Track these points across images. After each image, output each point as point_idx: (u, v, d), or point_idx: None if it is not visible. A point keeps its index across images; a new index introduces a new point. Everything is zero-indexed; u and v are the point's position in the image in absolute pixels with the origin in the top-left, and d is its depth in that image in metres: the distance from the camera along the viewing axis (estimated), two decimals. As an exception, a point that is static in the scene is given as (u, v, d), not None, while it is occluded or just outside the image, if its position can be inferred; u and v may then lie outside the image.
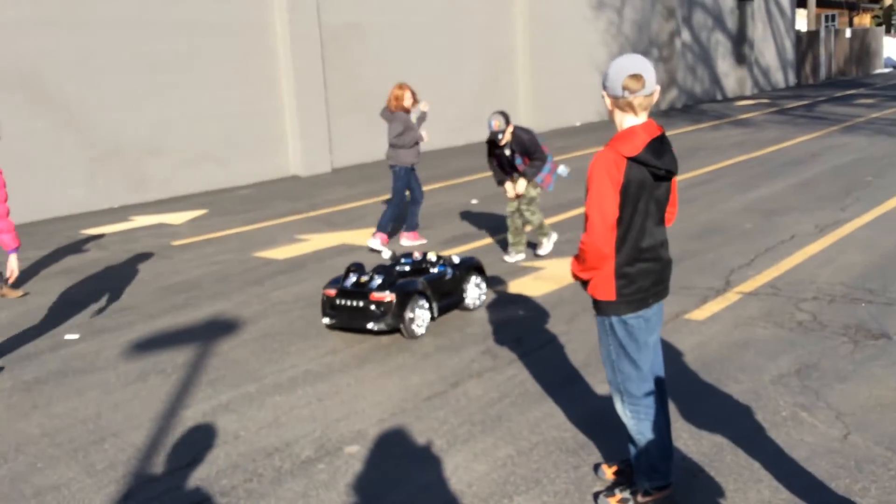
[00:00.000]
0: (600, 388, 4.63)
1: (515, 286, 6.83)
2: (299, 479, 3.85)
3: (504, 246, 8.11)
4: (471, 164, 14.67)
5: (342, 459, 4.01)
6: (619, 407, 3.44)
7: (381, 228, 8.20)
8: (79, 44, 11.47)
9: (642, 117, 3.19)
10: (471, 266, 6.22)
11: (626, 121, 3.20)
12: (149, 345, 5.85)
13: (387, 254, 6.32)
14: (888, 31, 47.82)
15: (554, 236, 7.80)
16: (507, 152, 7.38)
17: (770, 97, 25.95)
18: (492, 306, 6.32)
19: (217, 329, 6.13)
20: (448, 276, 6.02)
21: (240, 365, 5.38)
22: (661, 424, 3.39)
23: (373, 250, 8.14)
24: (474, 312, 6.19)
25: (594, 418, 4.30)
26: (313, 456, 4.06)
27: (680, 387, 4.60)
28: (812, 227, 8.22)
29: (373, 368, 5.20)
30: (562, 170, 7.66)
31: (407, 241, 8.65)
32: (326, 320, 5.82)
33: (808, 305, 5.86)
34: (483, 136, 18.24)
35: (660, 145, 3.17)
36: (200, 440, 4.30)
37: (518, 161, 7.38)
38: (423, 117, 8.65)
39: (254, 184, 13.53)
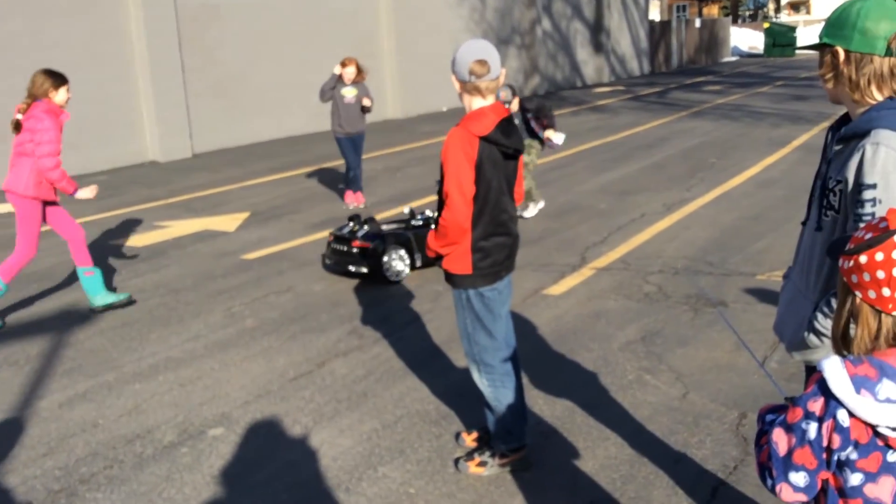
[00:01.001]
0: (462, 361, 4.80)
1: (381, 267, 6.92)
2: (162, 463, 3.82)
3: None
4: (337, 149, 14.61)
5: (206, 442, 4.01)
6: (477, 376, 3.61)
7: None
8: None
9: (489, 99, 3.34)
10: None
11: (474, 103, 3.34)
12: (-2, 337, 5.59)
13: (407, 209, 7.18)
14: (735, 22, 50.70)
15: (541, 203, 8.61)
16: (517, 121, 7.99)
17: (626, 84, 27.07)
18: (358, 288, 6.39)
19: (72, 319, 5.93)
20: None
21: (96, 354, 5.23)
22: (516, 390, 3.58)
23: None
24: (342, 294, 6.25)
25: (456, 390, 4.46)
26: (176, 440, 4.03)
27: (537, 357, 4.83)
28: (660, 205, 8.72)
29: (237, 352, 5.18)
30: (558, 137, 8.34)
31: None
32: (327, 261, 6.72)
33: (655, 278, 6.24)
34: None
35: (507, 126, 3.34)
36: (57, 430, 4.18)
37: (533, 124, 8.24)
38: (358, 100, 9.21)
39: (109, 170, 13.01)
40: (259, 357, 5.09)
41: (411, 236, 6.55)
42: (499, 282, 3.46)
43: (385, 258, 6.35)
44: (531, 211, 8.48)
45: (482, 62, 3.26)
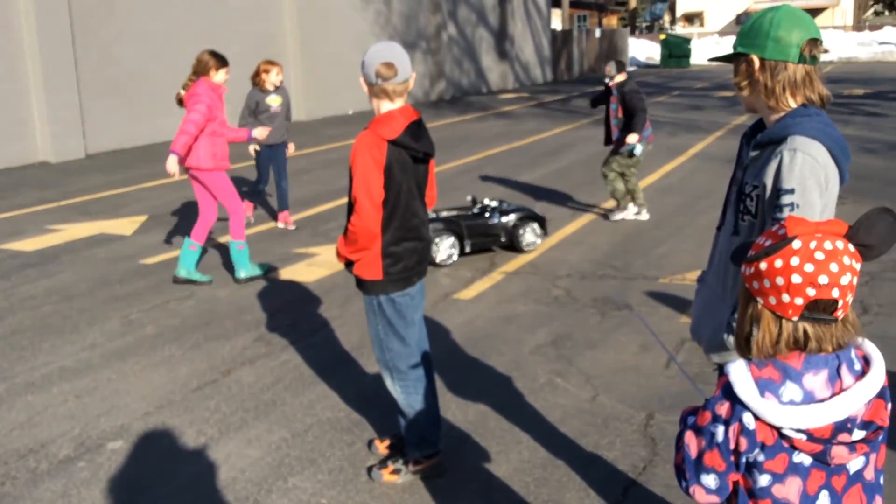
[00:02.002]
0: (373, 367, 4.73)
1: (288, 273, 6.79)
2: (57, 479, 3.61)
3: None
4: (239, 149, 14.26)
5: (104, 456, 3.81)
6: (389, 383, 3.55)
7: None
8: None
9: (398, 102, 3.29)
10: (525, 216, 7.16)
11: (382, 106, 3.29)
12: None
13: (469, 197, 7.42)
14: (633, 33, 52.22)
15: (631, 209, 8.37)
16: (615, 102, 8.11)
17: (530, 91, 27.48)
18: (264, 294, 6.24)
19: (-44, 328, 5.57)
20: (493, 222, 7.01)
21: (-16, 365, 4.93)
22: (429, 396, 3.54)
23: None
24: (248, 299, 6.09)
25: (367, 397, 4.40)
26: (72, 454, 3.83)
27: (449, 362, 4.81)
28: (566, 211, 8.85)
29: (137, 362, 4.97)
30: (639, 149, 8.16)
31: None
32: None
33: (563, 282, 6.32)
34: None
35: (417, 129, 3.30)
36: (-62, 448, 3.91)
37: (613, 107, 8.11)
38: (283, 107, 8.41)
39: (-3, 171, 12.35)
40: (160, 366, 4.90)
41: (463, 224, 6.89)
42: (410, 287, 3.42)
43: (435, 244, 6.69)
44: (627, 213, 8.35)
45: (389, 65, 3.21)
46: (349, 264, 3.41)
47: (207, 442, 3.94)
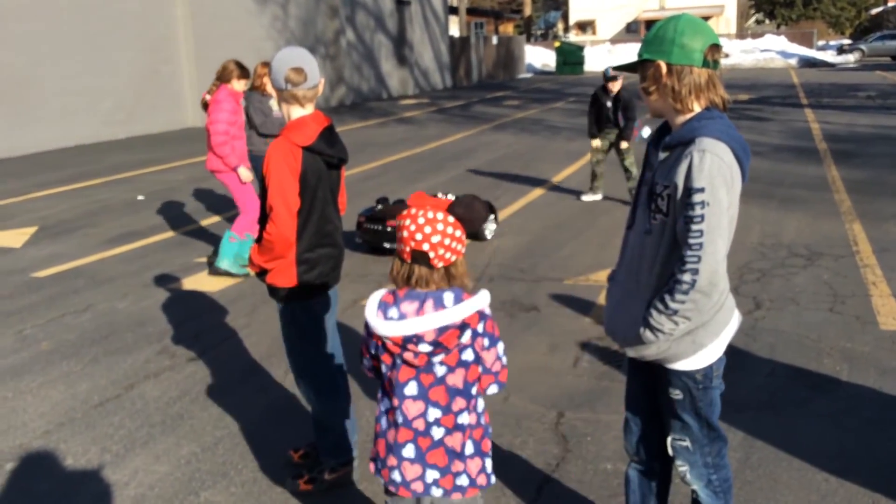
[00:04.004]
0: (283, 376, 4.66)
1: (191, 283, 6.62)
2: (-51, 506, 3.42)
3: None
4: (133, 158, 13.85)
5: (1, 478, 3.63)
6: (304, 390, 3.51)
7: None
8: None
9: (309, 108, 3.27)
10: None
11: (293, 112, 3.26)
12: None
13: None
14: (528, 40, 53.19)
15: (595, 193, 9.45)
16: (609, 104, 8.91)
17: (430, 97, 27.64)
18: (166, 305, 6.07)
19: None
20: None
21: None
22: (344, 403, 3.52)
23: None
24: (149, 311, 5.90)
25: (279, 406, 4.33)
26: (-35, 480, 3.62)
27: (362, 369, 4.77)
28: (471, 215, 8.92)
29: (33, 378, 4.75)
30: (645, 131, 8.83)
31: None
32: (358, 239, 7.38)
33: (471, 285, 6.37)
34: (144, 129, 17.32)
35: (330, 135, 3.28)
36: None
37: (609, 105, 8.94)
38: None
39: None
40: (58, 382, 4.69)
41: None
42: (325, 294, 3.39)
43: None
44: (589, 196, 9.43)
45: (298, 70, 3.18)
46: (262, 273, 3.35)
47: (112, 459, 3.80)
